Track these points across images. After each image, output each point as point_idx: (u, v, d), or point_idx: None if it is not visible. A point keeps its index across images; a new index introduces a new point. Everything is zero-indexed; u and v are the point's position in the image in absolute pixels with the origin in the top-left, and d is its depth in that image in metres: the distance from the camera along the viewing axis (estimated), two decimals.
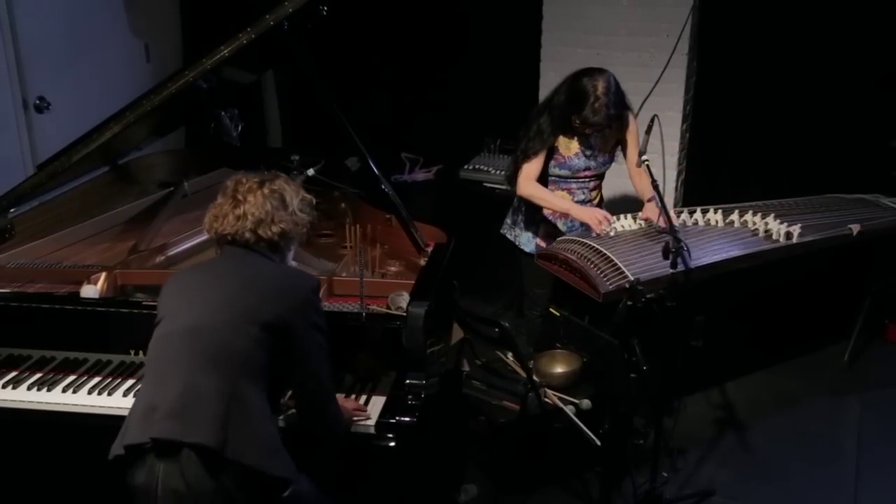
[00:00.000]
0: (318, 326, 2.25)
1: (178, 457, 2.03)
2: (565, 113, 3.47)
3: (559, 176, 3.63)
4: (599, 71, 3.44)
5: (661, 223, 3.37)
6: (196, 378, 2.10)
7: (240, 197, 2.31)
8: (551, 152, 3.57)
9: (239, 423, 2.07)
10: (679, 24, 4.40)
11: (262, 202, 2.30)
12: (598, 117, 3.38)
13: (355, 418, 2.45)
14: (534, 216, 3.74)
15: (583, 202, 3.67)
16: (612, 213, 3.69)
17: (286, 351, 2.19)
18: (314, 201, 2.48)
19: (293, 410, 2.40)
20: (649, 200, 3.56)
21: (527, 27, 4.78)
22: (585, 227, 3.54)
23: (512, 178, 3.64)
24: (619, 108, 3.44)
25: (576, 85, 3.42)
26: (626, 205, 3.80)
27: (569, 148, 3.58)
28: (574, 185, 3.66)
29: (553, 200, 3.59)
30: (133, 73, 4.99)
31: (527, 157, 3.54)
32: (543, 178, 3.61)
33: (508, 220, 3.87)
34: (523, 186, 3.58)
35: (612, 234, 3.45)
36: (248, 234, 2.29)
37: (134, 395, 2.56)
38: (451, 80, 5.25)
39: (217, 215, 2.32)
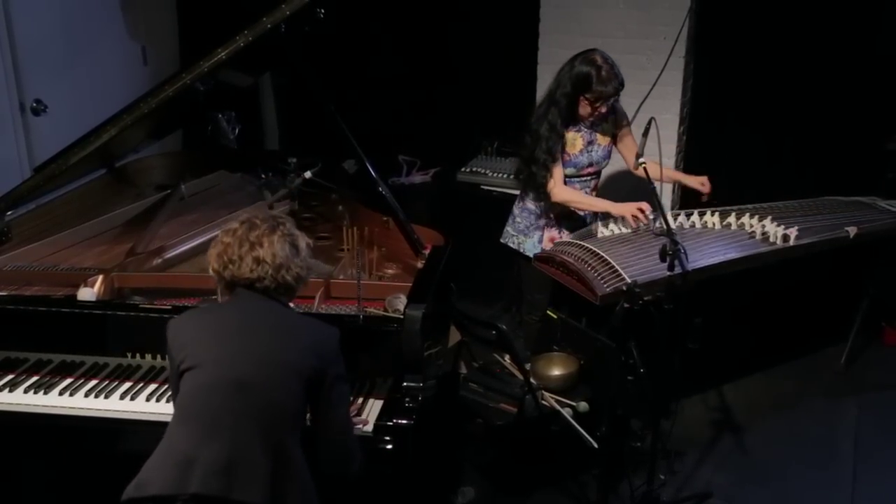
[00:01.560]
0: (343, 377, 2.26)
1: None
2: (573, 101, 3.48)
3: (566, 175, 3.63)
4: (588, 49, 3.49)
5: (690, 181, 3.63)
6: (243, 435, 2.08)
7: (254, 240, 2.25)
8: None
9: (284, 479, 2.09)
10: (676, 27, 4.41)
11: (280, 247, 2.26)
12: (611, 85, 3.42)
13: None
14: (537, 221, 3.74)
15: None
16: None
17: (314, 400, 2.20)
18: (312, 245, 2.46)
19: None
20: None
21: (524, 30, 4.78)
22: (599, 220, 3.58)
23: (543, 185, 3.57)
24: (621, 75, 3.47)
25: (575, 70, 3.45)
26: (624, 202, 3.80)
27: (574, 145, 3.60)
28: (578, 185, 3.67)
29: (591, 201, 3.63)
30: (130, 75, 4.99)
31: (555, 158, 3.53)
32: None
33: (509, 229, 3.85)
34: (560, 192, 3.56)
35: (643, 226, 3.51)
36: (268, 280, 2.25)
37: (131, 399, 2.56)
38: (449, 82, 5.25)
39: (231, 259, 2.25)
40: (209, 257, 2.31)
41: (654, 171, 3.35)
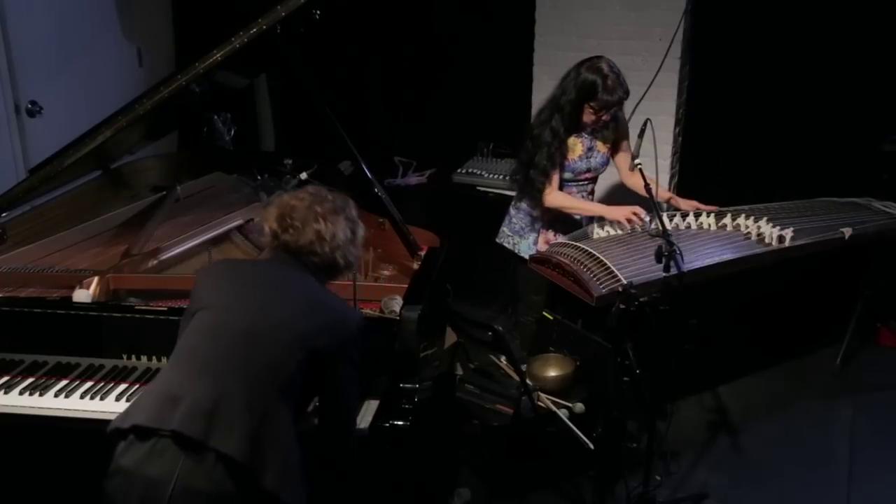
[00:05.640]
0: (354, 363, 2.23)
1: (202, 457, 1.99)
2: (577, 108, 3.48)
3: (563, 179, 3.63)
4: (595, 57, 3.49)
5: (683, 206, 3.62)
6: (234, 384, 2.06)
7: (320, 213, 2.27)
8: None
9: (267, 443, 2.04)
10: (671, 28, 4.42)
11: (343, 229, 2.30)
12: (616, 94, 3.43)
13: None
14: (533, 223, 3.74)
15: None
16: None
17: (318, 381, 2.19)
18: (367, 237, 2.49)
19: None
20: (670, 199, 3.74)
21: (520, 31, 4.79)
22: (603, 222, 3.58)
23: (539, 190, 3.57)
24: (626, 84, 3.47)
25: (580, 77, 3.45)
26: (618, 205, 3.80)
27: (573, 150, 3.60)
28: (574, 189, 3.68)
29: (585, 206, 3.65)
30: (125, 77, 4.98)
31: (554, 164, 3.52)
32: None
33: (505, 229, 3.85)
34: (554, 198, 3.57)
35: (646, 226, 3.49)
36: (320, 257, 2.27)
37: (127, 400, 2.55)
38: (445, 84, 5.26)
39: (292, 224, 2.27)
40: (267, 215, 2.32)
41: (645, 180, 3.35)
